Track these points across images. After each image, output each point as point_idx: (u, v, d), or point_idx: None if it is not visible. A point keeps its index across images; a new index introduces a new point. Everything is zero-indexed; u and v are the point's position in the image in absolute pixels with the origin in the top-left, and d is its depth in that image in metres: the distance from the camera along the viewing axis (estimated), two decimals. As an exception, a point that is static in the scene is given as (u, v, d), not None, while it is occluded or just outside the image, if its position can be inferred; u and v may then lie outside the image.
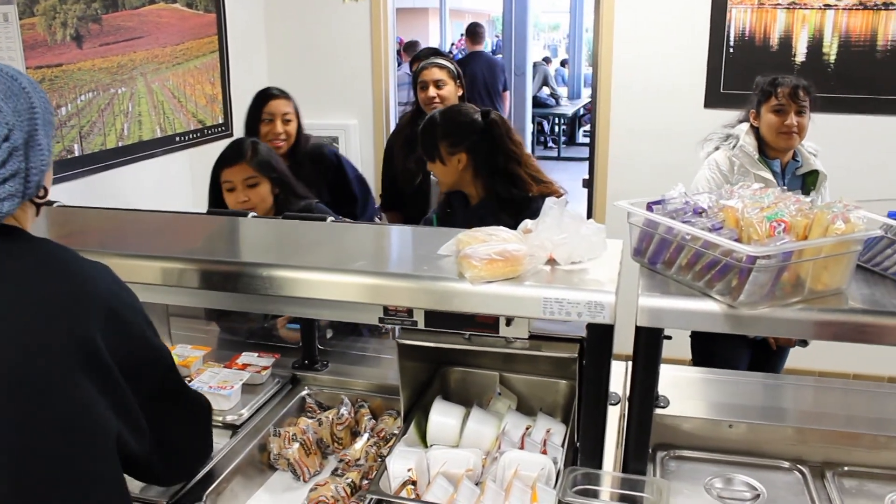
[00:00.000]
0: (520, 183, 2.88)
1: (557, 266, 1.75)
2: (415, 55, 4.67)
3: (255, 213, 2.60)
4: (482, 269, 1.64)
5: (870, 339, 1.62)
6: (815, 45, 4.28)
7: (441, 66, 3.94)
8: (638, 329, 1.68)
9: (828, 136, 4.01)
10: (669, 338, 2.35)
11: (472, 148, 2.92)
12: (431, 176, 3.75)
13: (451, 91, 3.90)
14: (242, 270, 1.94)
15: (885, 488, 2.12)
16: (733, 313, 1.57)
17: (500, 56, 10.02)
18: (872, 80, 3.95)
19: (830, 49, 4.26)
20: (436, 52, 4.56)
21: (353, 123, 4.87)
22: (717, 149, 3.41)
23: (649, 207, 1.71)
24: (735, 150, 3.30)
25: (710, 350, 3.45)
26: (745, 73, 4.35)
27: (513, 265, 1.65)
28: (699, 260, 1.60)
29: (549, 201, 1.72)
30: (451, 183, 3.01)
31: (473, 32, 7.89)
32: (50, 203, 2.52)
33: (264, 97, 3.69)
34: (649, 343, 1.70)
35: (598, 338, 1.70)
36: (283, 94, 3.72)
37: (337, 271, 1.85)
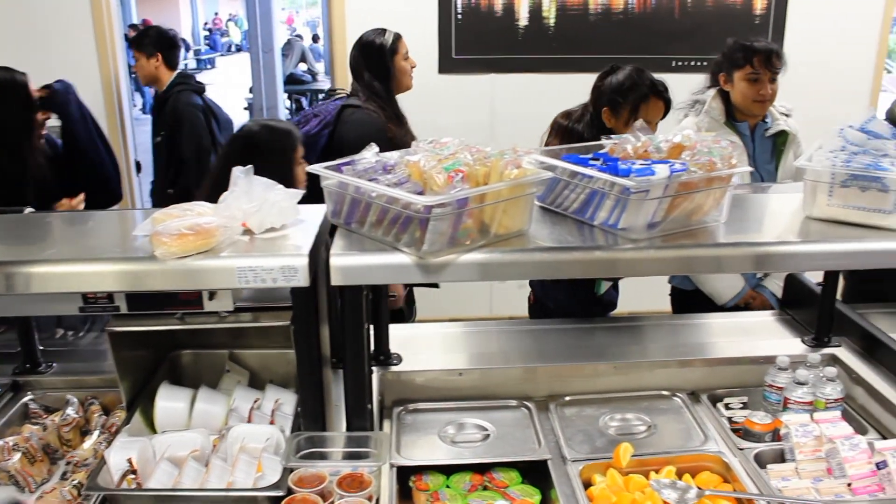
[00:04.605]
0: None
1: (257, 235, 1.74)
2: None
3: None
4: (172, 244, 1.60)
5: (552, 273, 1.75)
6: (536, 9, 4.52)
7: None
8: (340, 289, 1.71)
9: (548, 94, 4.25)
10: (393, 296, 2.43)
11: None
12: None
13: None
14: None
15: (600, 410, 2.32)
16: (420, 263, 1.63)
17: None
18: (587, 41, 4.23)
19: (549, 13, 4.51)
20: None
21: (83, 112, 4.58)
22: (686, 116, 3.37)
23: (339, 169, 1.73)
24: (701, 116, 3.27)
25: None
26: (474, 39, 4.53)
27: (205, 238, 1.63)
28: (386, 215, 1.65)
29: (237, 170, 1.71)
30: None
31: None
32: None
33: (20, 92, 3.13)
34: (353, 301, 1.74)
35: (302, 301, 1.71)
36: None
37: (25, 263, 1.73)
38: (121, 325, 1.94)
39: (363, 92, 3.51)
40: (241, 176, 1.68)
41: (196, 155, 4.30)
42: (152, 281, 1.65)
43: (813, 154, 2.00)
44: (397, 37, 3.60)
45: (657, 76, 3.22)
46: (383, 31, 3.60)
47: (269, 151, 2.70)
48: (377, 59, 3.53)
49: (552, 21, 4.50)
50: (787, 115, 3.32)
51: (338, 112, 3.46)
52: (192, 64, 23.94)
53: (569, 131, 3.09)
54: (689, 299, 3.34)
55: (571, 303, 3.16)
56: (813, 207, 1.96)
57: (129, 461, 1.82)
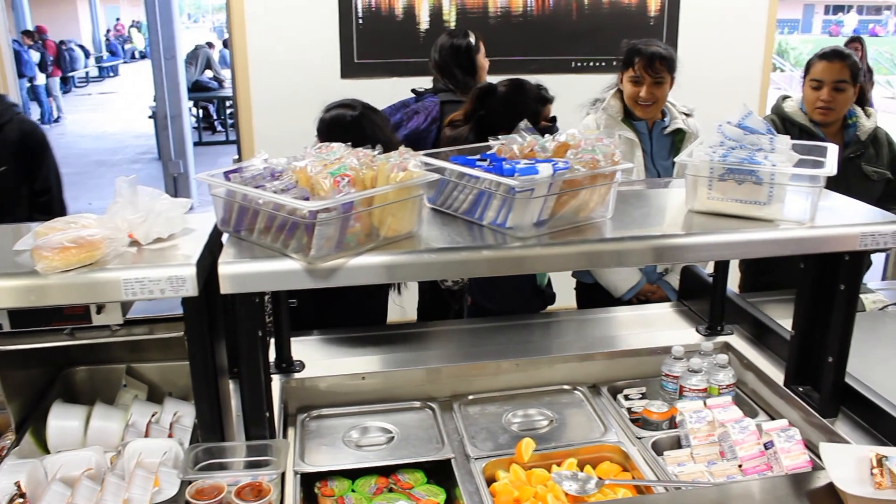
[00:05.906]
0: None
1: (144, 246, 1.71)
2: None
3: None
4: (54, 258, 1.56)
5: (442, 274, 1.77)
6: (436, 13, 4.55)
7: None
8: (231, 297, 1.69)
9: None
10: (293, 302, 2.42)
11: None
12: None
13: None
14: None
15: (503, 407, 2.36)
16: (309, 268, 1.63)
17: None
18: (487, 43, 4.26)
19: (450, 16, 4.56)
20: None
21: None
22: (588, 115, 3.38)
23: (226, 176, 1.72)
24: (599, 113, 3.30)
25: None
26: (376, 44, 4.53)
27: (89, 251, 1.59)
28: (273, 222, 1.64)
29: (120, 181, 1.68)
30: None
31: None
32: None
33: None
34: (245, 309, 1.72)
35: (194, 311, 1.69)
36: None
37: None
38: (5, 344, 1.89)
39: (458, 87, 3.75)
40: (124, 186, 1.65)
41: (58, 181, 4.02)
42: (35, 297, 1.59)
43: (693, 150, 2.07)
44: (477, 37, 3.87)
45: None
46: (466, 32, 3.85)
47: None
48: (466, 58, 3.81)
49: (453, 24, 4.54)
50: (687, 115, 3.40)
51: (440, 108, 3.70)
52: (93, 72, 23.30)
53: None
54: (591, 292, 3.42)
55: (514, 298, 3.19)
56: (695, 201, 2.03)
57: (17, 484, 1.77)
